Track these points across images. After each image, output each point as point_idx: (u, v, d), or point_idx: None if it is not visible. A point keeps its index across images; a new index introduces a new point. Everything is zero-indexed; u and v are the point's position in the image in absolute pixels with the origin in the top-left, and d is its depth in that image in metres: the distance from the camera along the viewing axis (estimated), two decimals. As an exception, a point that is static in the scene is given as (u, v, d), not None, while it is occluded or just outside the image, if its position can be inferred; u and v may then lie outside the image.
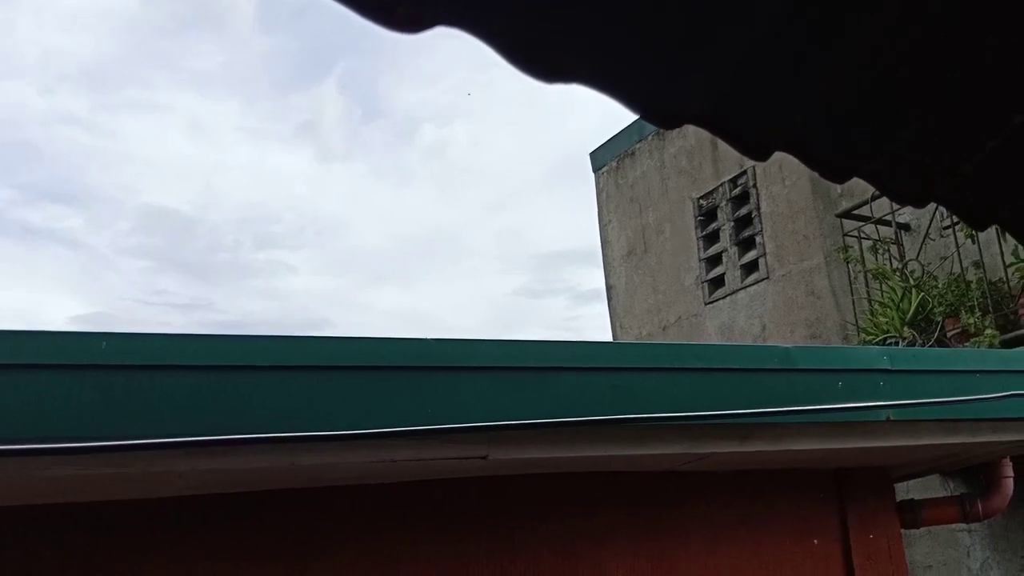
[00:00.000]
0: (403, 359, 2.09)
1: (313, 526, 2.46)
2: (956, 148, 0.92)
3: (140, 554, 2.27)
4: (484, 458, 2.26)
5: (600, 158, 10.23)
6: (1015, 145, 0.91)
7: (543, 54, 0.77)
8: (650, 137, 9.59)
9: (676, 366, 2.32)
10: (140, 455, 1.75)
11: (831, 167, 0.84)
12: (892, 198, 0.94)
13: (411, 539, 2.57)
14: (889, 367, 2.59)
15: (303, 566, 2.43)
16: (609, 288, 9.98)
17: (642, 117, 0.87)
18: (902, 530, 3.35)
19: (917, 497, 3.54)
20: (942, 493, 5.21)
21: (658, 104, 0.85)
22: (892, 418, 2.53)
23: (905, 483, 3.53)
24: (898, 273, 6.67)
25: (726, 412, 2.19)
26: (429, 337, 2.10)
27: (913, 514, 3.39)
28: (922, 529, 4.39)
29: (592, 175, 10.37)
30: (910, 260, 6.71)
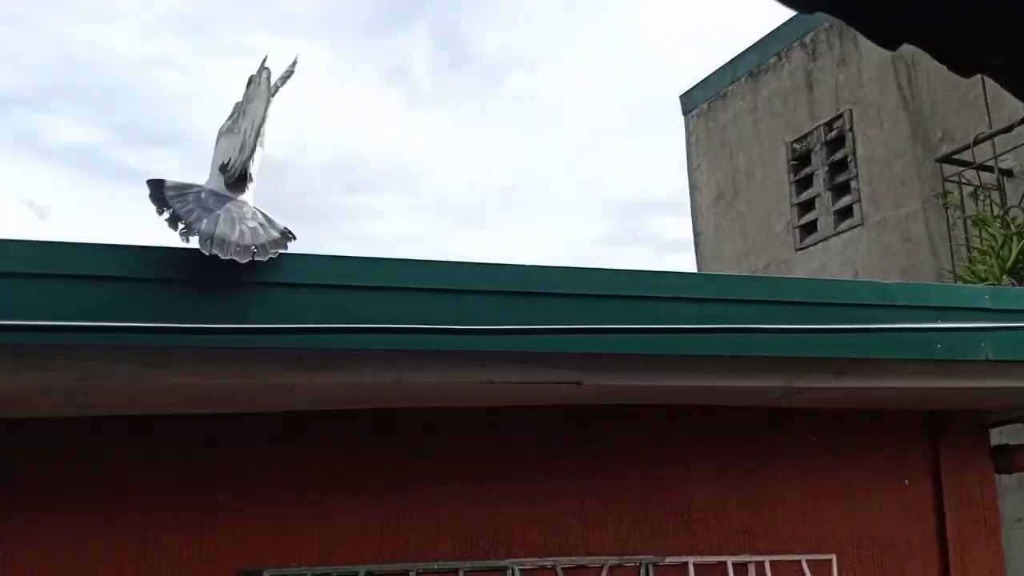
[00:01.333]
0: (505, 285, 2.16)
1: (414, 446, 2.57)
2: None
3: (255, 467, 2.41)
4: (579, 383, 2.32)
5: (691, 100, 10.07)
6: None
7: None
8: (743, 79, 9.39)
9: (772, 299, 2.33)
10: (260, 365, 1.86)
11: (958, 59, 0.84)
12: (1018, 96, 0.93)
13: (505, 462, 2.66)
14: (990, 306, 2.55)
15: (404, 484, 2.54)
16: (696, 234, 9.90)
17: None
18: (995, 475, 3.31)
19: (1011, 443, 3.49)
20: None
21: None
22: (991, 357, 2.50)
23: (999, 429, 3.47)
24: (999, 220, 6.46)
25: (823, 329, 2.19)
26: (530, 264, 2.17)
27: (1007, 459, 3.34)
28: (1015, 478, 4.31)
29: (681, 119, 10.23)
30: (1012, 207, 6.48)
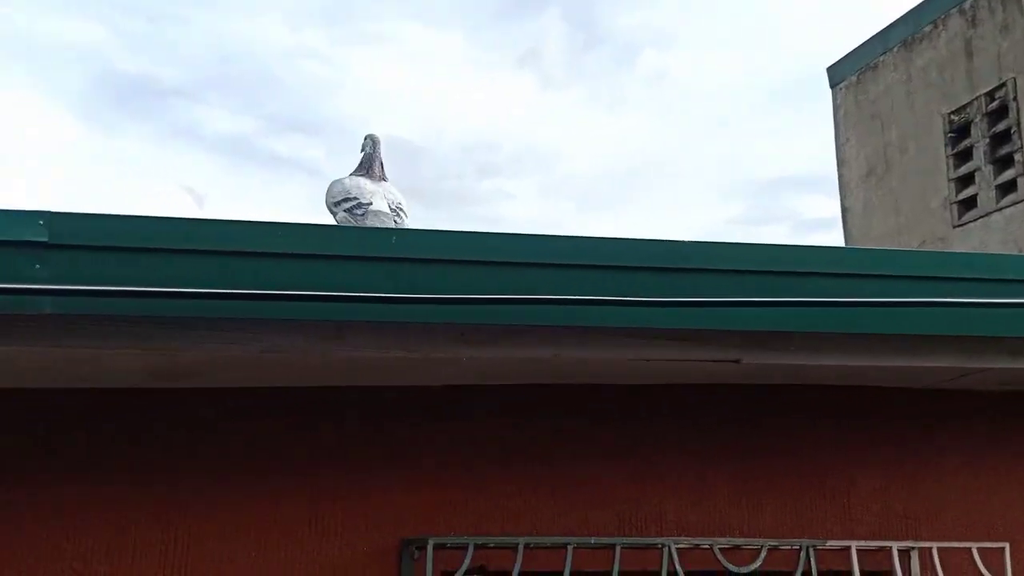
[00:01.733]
0: (658, 260, 2.15)
1: (567, 421, 2.59)
2: None
3: (416, 438, 2.48)
4: (737, 362, 2.29)
5: (839, 73, 9.69)
6: None
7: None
8: (896, 49, 8.97)
9: (946, 275, 2.23)
10: (428, 339, 1.91)
11: None
12: None
13: (658, 440, 2.65)
14: None
15: (557, 460, 2.57)
16: (845, 211, 9.53)
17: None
18: None
19: None
20: None
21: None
22: None
23: None
24: None
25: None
26: (689, 239, 2.14)
27: None
28: None
29: (826, 92, 9.85)
30: None
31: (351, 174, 3.59)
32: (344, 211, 3.44)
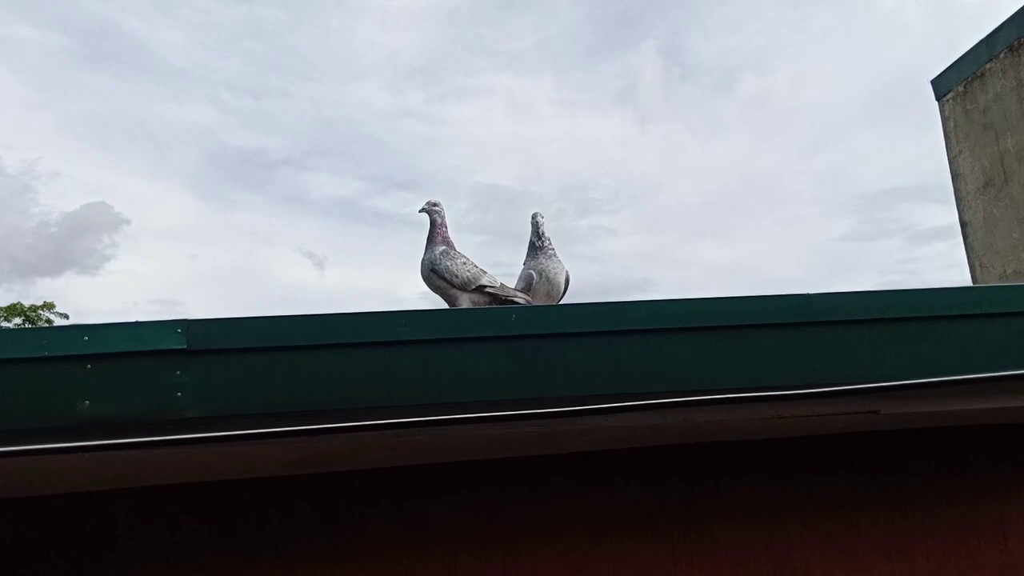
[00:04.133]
0: (783, 316, 2.09)
1: (702, 481, 2.53)
2: None
3: (546, 507, 2.46)
4: (876, 413, 2.20)
5: (944, 84, 9.37)
6: None
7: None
8: (1002, 55, 8.62)
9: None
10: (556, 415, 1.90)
11: None
12: None
13: (798, 494, 2.56)
14: None
15: (694, 520, 2.50)
16: (964, 224, 9.15)
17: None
18: None
19: None
20: None
21: None
22: None
23: None
24: None
25: None
26: (809, 293, 2.08)
27: None
28: None
29: (932, 104, 9.53)
30: None
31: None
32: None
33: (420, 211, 3.65)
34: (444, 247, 3.55)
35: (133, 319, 1.83)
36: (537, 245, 3.76)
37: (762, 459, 2.56)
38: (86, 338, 1.82)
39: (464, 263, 3.50)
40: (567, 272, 3.77)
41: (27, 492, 2.24)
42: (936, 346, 2.08)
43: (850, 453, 2.57)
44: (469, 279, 3.46)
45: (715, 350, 2.01)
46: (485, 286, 3.47)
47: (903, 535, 2.56)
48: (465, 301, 3.41)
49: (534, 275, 3.66)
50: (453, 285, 3.44)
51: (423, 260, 3.54)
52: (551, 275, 3.67)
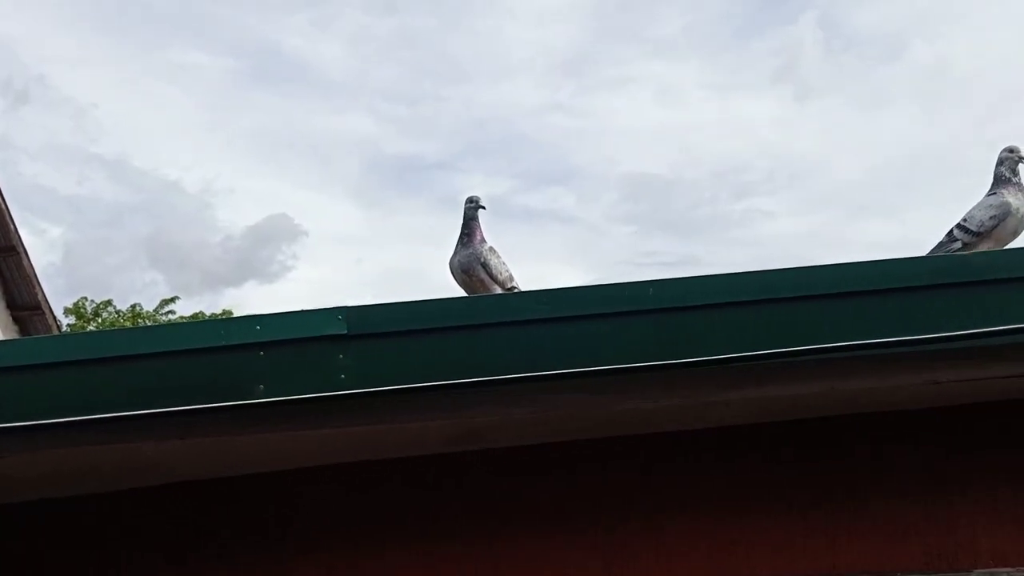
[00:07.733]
0: (940, 276, 2.04)
1: (855, 453, 2.48)
2: None
3: (688, 483, 2.47)
4: (1038, 375, 2.11)
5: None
6: None
7: None
8: None
9: None
10: (700, 386, 1.93)
11: None
12: None
13: (960, 464, 2.46)
14: None
15: (851, 494, 2.45)
16: None
17: None
18: None
19: None
20: None
21: None
22: None
23: None
24: None
25: None
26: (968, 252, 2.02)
27: None
28: None
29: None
30: None
31: None
32: None
33: (469, 206, 3.79)
34: (490, 244, 3.77)
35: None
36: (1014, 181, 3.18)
37: (920, 428, 2.48)
38: (259, 327, 1.98)
39: (504, 263, 3.73)
40: None
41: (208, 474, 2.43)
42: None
43: (1013, 418, 2.45)
44: (507, 278, 3.70)
45: (869, 314, 1.98)
46: (513, 287, 3.68)
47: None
48: None
49: (1012, 204, 3.06)
50: (496, 281, 3.62)
51: (467, 253, 3.71)
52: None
